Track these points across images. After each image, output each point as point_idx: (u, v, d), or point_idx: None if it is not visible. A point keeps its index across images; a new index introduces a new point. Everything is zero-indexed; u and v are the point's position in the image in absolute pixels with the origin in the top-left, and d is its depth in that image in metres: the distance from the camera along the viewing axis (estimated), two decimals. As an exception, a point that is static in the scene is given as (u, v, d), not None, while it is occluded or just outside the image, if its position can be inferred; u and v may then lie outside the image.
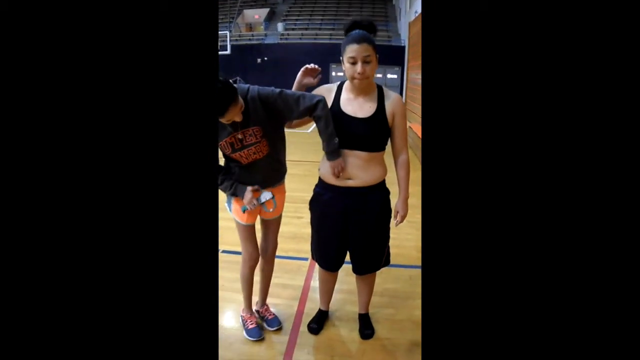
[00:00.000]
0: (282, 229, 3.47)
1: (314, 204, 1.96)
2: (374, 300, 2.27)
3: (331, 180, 1.83)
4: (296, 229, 3.48)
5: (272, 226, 2.12)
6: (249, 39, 18.83)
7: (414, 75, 9.69)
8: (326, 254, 2.03)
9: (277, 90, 1.74)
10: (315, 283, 2.68)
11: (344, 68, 1.71)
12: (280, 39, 18.39)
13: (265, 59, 17.26)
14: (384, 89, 1.81)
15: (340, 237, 1.94)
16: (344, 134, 1.73)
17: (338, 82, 1.84)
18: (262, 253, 2.17)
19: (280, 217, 2.13)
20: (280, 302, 2.51)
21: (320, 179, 1.93)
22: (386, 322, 2.32)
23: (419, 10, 9.06)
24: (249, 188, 1.80)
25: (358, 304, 2.28)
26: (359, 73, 1.65)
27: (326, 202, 1.89)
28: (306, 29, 19.23)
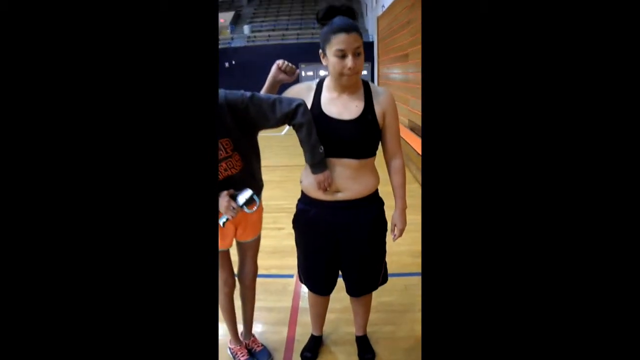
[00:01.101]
0: (261, 242, 3.24)
1: (298, 222, 1.71)
2: (370, 317, 2.05)
3: (317, 194, 1.59)
4: (276, 242, 3.20)
5: (249, 250, 1.87)
6: (215, 44, 18.40)
7: (385, 70, 9.54)
8: (316, 278, 1.79)
9: (248, 94, 1.48)
10: (304, 303, 2.44)
11: (325, 63, 1.47)
12: (247, 41, 18.14)
13: (233, 62, 16.98)
14: (371, 84, 1.58)
15: (330, 258, 1.70)
16: (328, 140, 1.49)
17: (317, 80, 1.60)
18: (241, 280, 1.92)
19: (258, 239, 1.88)
20: (266, 329, 2.27)
21: (303, 193, 1.68)
22: (387, 342, 2.10)
23: (386, 4, 8.90)
24: (223, 193, 1.49)
25: (355, 326, 2.06)
26: (349, 68, 1.41)
27: (312, 219, 1.64)
28: (273, 30, 19.01)
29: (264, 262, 2.96)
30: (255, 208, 1.55)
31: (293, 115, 1.46)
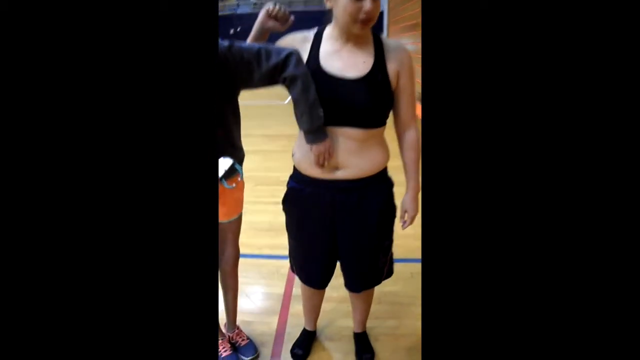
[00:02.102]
0: (256, 218, 2.96)
1: (289, 204, 1.43)
2: (371, 310, 1.80)
3: (312, 170, 1.30)
4: (273, 217, 2.91)
5: (229, 232, 1.60)
6: (220, 10, 18.09)
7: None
8: (309, 270, 1.53)
9: (225, 43, 1.18)
10: (298, 290, 2.19)
11: (330, 5, 1.17)
12: (254, 8, 17.70)
13: (238, 29, 16.60)
14: (383, 37, 1.27)
15: (327, 248, 1.44)
16: (327, 104, 1.19)
17: (315, 29, 1.30)
18: (221, 266, 1.65)
19: (239, 219, 1.61)
20: (254, 320, 2.03)
21: (295, 169, 1.39)
22: (388, 340, 1.87)
23: (400, -31, 8.45)
24: None
25: (353, 322, 1.82)
26: (366, 12, 1.11)
27: (306, 200, 1.36)
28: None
29: (256, 241, 2.78)
30: (235, 184, 1.28)
31: (283, 66, 1.16)
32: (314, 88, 1.17)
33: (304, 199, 1.36)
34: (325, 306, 1.86)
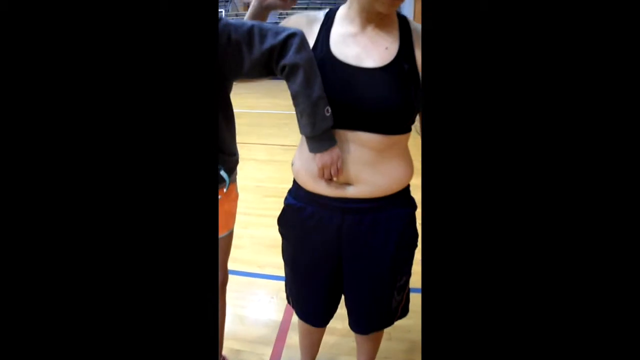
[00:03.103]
0: (260, 233, 2.75)
1: (286, 225, 1.20)
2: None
3: (316, 185, 1.06)
4: (278, 233, 2.70)
5: (219, 249, 1.37)
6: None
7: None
8: (308, 304, 1.29)
9: None
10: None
11: None
12: (279, 17, 17.81)
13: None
14: (410, 20, 1.04)
15: (330, 281, 1.20)
16: (337, 101, 0.96)
17: (326, 9, 1.07)
18: None
19: (230, 237, 1.38)
20: (244, 349, 1.79)
21: (295, 182, 1.15)
22: (398, 386, 1.60)
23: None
24: None
25: None
26: None
27: (307, 222, 1.12)
28: (306, 7, 18.54)
29: (258, 258, 2.56)
30: (221, 195, 1.05)
31: (281, 51, 0.92)
32: (320, 80, 0.94)
33: (304, 220, 1.12)
34: (326, 339, 1.63)
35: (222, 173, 1.07)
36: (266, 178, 3.70)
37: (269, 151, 4.58)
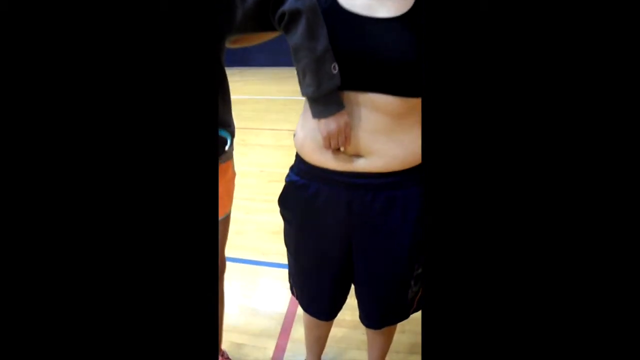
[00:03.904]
0: (264, 218, 2.66)
1: (288, 205, 1.08)
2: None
3: (321, 157, 0.93)
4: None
5: None
6: None
7: None
8: (313, 296, 1.17)
9: None
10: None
11: None
12: None
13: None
14: None
15: (338, 269, 1.07)
16: (346, 56, 0.84)
17: None
18: None
19: (227, 221, 1.26)
20: (247, 342, 1.69)
21: (298, 156, 1.03)
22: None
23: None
24: None
25: (368, 358, 1.46)
26: None
27: (311, 202, 1.00)
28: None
29: (262, 245, 2.48)
30: (225, 149, 1.03)
31: None
32: (326, 32, 0.82)
33: (307, 199, 0.99)
34: (334, 332, 1.52)
35: (223, 133, 0.96)
36: (272, 163, 3.62)
37: (275, 136, 4.49)
